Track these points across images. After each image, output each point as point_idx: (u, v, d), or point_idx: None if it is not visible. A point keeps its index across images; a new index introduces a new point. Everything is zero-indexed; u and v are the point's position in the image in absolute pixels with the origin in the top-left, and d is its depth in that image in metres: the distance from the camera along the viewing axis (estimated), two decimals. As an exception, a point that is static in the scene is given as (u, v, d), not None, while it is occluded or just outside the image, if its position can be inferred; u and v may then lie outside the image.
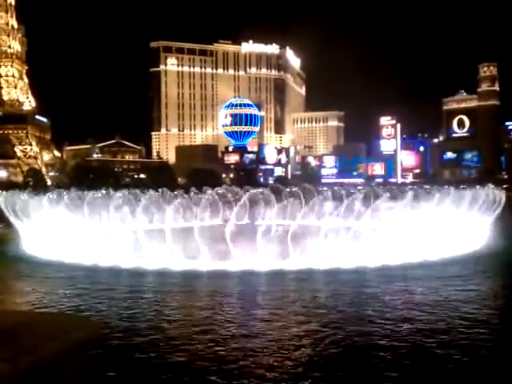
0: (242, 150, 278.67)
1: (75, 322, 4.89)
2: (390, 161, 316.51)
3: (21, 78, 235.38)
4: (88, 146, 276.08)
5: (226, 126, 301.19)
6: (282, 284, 31.83)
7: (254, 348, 18.64)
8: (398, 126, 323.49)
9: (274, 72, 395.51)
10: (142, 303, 26.96)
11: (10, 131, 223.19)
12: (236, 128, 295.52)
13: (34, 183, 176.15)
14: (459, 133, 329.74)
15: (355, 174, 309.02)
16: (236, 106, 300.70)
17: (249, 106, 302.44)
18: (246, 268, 34.84)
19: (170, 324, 22.47)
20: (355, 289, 29.82)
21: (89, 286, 31.24)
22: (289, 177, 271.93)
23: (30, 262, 40.25)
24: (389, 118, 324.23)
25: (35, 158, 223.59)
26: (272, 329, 21.47)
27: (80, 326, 4.62)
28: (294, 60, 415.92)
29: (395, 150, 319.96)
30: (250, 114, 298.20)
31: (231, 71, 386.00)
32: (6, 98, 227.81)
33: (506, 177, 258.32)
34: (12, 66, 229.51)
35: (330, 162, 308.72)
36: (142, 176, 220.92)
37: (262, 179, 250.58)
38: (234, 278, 33.44)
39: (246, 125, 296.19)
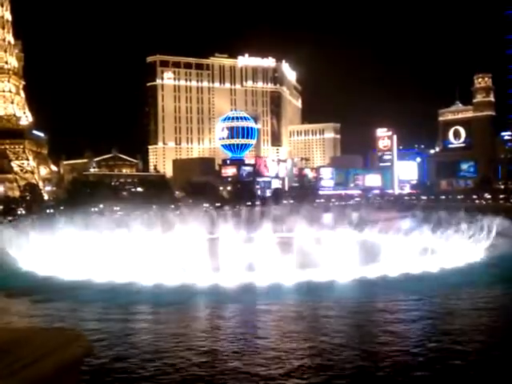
0: (239, 163, 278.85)
1: (68, 338, 4.92)
2: (386, 172, 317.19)
3: (18, 93, 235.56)
4: (85, 161, 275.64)
5: (223, 139, 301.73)
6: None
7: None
8: (395, 137, 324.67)
9: (270, 85, 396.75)
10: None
11: (7, 146, 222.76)
12: (233, 141, 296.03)
13: (31, 198, 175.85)
14: (455, 143, 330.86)
15: (352, 185, 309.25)
16: (233, 119, 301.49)
17: (245, 118, 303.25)
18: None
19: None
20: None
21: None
22: (286, 189, 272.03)
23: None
24: (385, 129, 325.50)
25: (32, 172, 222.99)
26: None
27: (73, 341, 4.68)
28: (289, 73, 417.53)
29: (392, 162, 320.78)
30: (247, 127, 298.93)
31: (228, 85, 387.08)
32: (2, 113, 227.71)
33: (502, 187, 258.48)
34: (9, 81, 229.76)
35: (327, 173, 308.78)
36: (140, 190, 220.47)
37: (259, 192, 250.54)
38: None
39: (242, 137, 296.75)
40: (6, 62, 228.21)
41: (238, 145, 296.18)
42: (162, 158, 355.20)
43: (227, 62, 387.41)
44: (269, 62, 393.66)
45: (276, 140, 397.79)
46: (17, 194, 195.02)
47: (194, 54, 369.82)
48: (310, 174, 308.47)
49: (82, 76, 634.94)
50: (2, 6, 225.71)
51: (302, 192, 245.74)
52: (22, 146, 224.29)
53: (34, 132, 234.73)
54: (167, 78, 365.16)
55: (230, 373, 19.68)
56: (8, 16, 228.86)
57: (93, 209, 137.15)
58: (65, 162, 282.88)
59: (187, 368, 20.33)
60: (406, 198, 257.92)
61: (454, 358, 21.24)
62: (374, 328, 25.93)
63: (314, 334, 24.75)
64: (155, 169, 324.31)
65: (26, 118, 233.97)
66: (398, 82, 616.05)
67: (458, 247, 49.28)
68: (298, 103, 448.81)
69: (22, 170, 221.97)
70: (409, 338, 23.90)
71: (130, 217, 57.92)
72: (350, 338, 24.22)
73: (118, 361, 21.04)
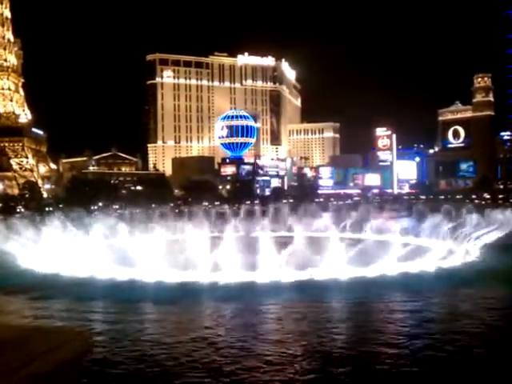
0: (238, 162, 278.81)
1: (68, 335, 4.92)
2: (386, 171, 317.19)
3: (17, 90, 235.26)
4: (84, 159, 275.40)
5: (223, 137, 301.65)
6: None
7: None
8: (394, 136, 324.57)
9: (269, 84, 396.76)
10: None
11: (6, 144, 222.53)
12: (232, 139, 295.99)
13: (30, 196, 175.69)
14: (454, 143, 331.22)
15: (351, 184, 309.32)
16: (232, 117, 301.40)
17: (245, 117, 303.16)
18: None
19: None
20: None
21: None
22: (285, 188, 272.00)
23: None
24: (384, 128, 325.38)
25: (31, 170, 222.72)
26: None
27: (72, 338, 4.68)
28: (289, 72, 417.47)
29: (391, 161, 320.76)
30: (246, 126, 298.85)
31: (227, 83, 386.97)
32: (1, 110, 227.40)
33: (501, 187, 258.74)
34: (8, 79, 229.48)
35: (326, 172, 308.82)
36: (139, 188, 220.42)
37: (258, 190, 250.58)
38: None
39: (242, 136, 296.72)
40: (6, 60, 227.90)
41: (237, 143, 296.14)
42: (162, 156, 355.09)
43: (227, 60, 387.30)
44: (268, 61, 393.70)
45: (275, 139, 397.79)
46: (16, 191, 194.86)
47: (193, 53, 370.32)
48: (310, 173, 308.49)
49: (81, 74, 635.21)
50: (2, 4, 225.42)
51: (301, 191, 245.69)
52: (21, 144, 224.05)
53: (33, 130, 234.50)
54: (167, 77, 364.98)
55: (230, 373, 19.62)
56: (7, 13, 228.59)
57: (92, 207, 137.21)
58: (64, 160, 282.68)
59: (187, 368, 20.26)
60: (405, 197, 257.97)
61: (455, 357, 21.19)
62: (374, 328, 25.87)
63: (314, 334, 24.68)
64: (154, 167, 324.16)
65: (25, 116, 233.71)
66: (398, 82, 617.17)
67: (457, 246, 49.34)
68: (298, 102, 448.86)
69: (21, 168, 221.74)
70: (409, 338, 23.83)
71: (129, 215, 57.84)
72: (351, 338, 24.17)
73: (119, 359, 20.94)
